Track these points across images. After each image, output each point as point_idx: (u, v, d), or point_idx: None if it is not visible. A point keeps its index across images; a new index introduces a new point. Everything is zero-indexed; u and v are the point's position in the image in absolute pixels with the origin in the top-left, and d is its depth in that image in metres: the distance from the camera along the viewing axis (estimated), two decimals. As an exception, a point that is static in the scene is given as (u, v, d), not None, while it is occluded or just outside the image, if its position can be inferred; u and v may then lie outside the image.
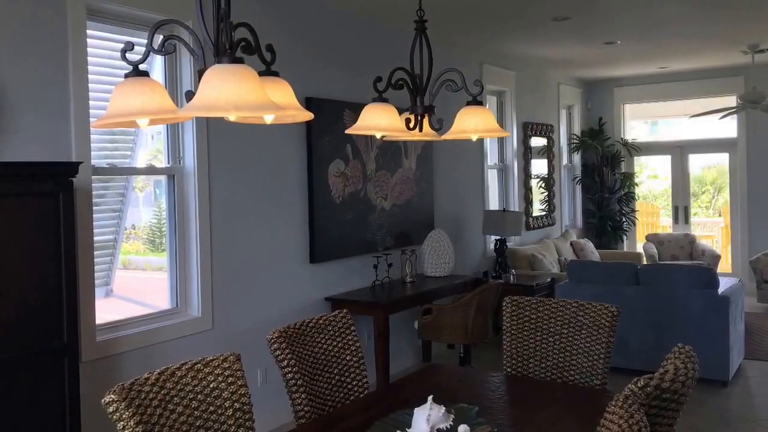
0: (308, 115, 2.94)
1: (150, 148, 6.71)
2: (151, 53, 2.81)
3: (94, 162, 5.73)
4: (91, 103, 5.60)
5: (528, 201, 12.73)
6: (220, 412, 3.72)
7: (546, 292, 10.15)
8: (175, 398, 3.56)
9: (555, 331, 5.09)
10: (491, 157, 11.92)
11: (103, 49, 5.95)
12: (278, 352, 4.22)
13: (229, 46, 2.71)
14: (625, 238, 14.97)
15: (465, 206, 10.87)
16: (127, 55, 2.79)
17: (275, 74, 3.00)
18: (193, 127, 6.47)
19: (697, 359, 3.36)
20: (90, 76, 5.63)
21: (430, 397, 3.57)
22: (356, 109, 7.88)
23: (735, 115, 13.08)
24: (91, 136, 5.63)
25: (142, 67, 2.81)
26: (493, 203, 11.94)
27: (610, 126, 15.20)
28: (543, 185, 13.39)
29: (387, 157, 8.96)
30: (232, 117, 2.76)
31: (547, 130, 13.42)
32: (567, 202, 14.68)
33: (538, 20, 9.22)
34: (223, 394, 3.74)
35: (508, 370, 5.13)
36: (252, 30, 2.85)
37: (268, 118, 2.85)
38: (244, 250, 7.01)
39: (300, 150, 7.69)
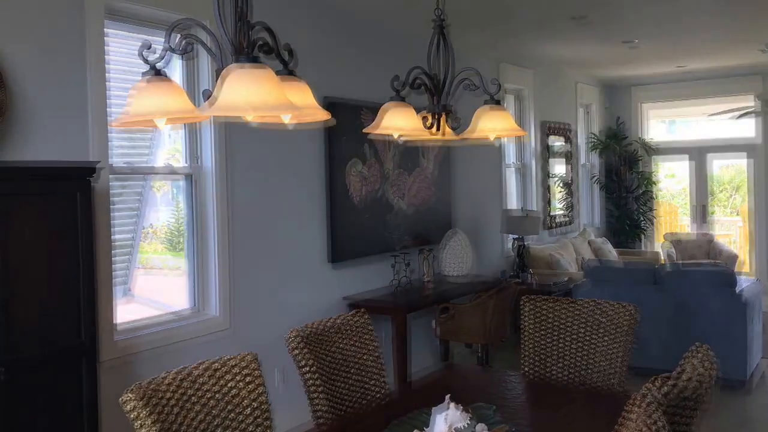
0: (326, 115, 2.93)
1: (168, 148, 6.72)
2: (168, 53, 2.81)
3: (112, 162, 5.74)
4: (109, 102, 5.61)
5: (546, 200, 12.70)
6: (237, 411, 3.72)
7: (564, 292, 10.11)
8: (193, 398, 3.57)
9: (573, 330, 5.07)
10: (510, 157, 11.91)
11: (121, 48, 5.96)
12: (296, 352, 4.22)
13: (247, 45, 2.71)
14: (643, 237, 14.91)
15: (483, 206, 10.85)
16: (145, 54, 2.79)
17: (293, 74, 2.99)
18: (212, 127, 6.47)
19: (716, 358, 3.34)
20: (108, 76, 5.64)
21: (447, 397, 3.56)
22: (374, 109, 7.88)
23: (754, 117, 13.03)
24: (110, 135, 5.64)
25: (160, 66, 2.81)
26: (512, 203, 11.92)
27: (628, 125, 15.14)
28: (561, 185, 13.35)
29: (405, 157, 8.95)
30: (249, 117, 2.75)
31: (565, 130, 13.39)
32: (585, 202, 14.63)
33: (557, 19, 9.19)
34: (241, 394, 3.75)
35: (526, 370, 5.12)
36: (270, 30, 2.84)
37: (286, 119, 2.85)
38: (262, 250, 7.02)
39: (318, 150, 7.69)
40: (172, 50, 2.81)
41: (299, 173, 7.45)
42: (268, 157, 7.07)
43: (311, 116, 3.01)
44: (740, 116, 11.92)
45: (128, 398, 3.21)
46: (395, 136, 4.31)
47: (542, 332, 5.14)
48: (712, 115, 12.52)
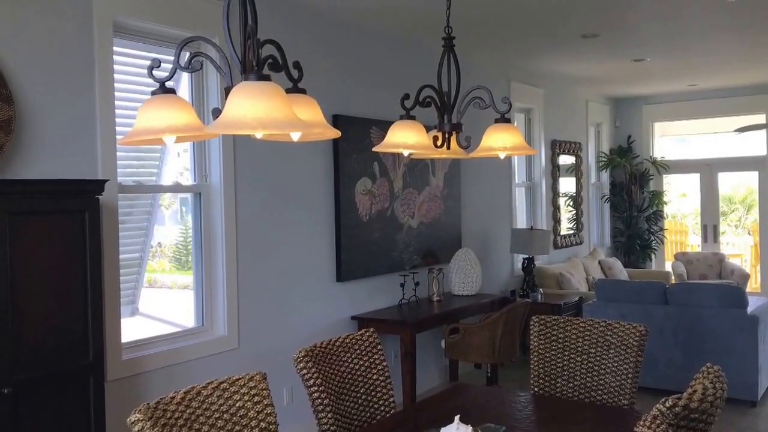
0: (335, 133, 2.92)
1: (176, 166, 6.71)
2: (177, 70, 2.80)
3: (120, 179, 5.73)
4: (117, 120, 5.60)
5: (556, 219, 12.67)
6: (246, 431, 3.69)
7: (574, 312, 10.09)
8: (201, 417, 3.54)
9: (583, 350, 5.05)
10: (519, 175, 11.88)
11: (129, 66, 5.96)
12: (304, 371, 4.20)
13: (256, 63, 2.70)
14: (653, 256, 14.85)
15: (492, 224, 10.83)
16: (154, 72, 2.78)
17: (302, 91, 2.98)
18: (220, 144, 6.46)
19: (726, 379, 3.32)
20: (116, 93, 5.64)
21: (456, 417, 3.54)
22: (383, 126, 7.89)
23: (765, 133, 13.00)
24: (118, 153, 5.63)
25: (168, 84, 2.80)
26: (521, 221, 11.90)
27: (638, 143, 15.11)
28: (571, 203, 13.32)
29: (414, 174, 8.93)
30: (259, 135, 2.74)
31: (575, 148, 13.36)
32: (595, 221, 14.60)
33: (568, 37, 9.19)
34: (249, 413, 3.72)
35: (536, 389, 5.09)
36: (279, 47, 2.83)
37: (295, 136, 2.83)
38: (270, 268, 7.00)
39: (327, 168, 7.68)
40: (181, 68, 2.80)
41: (307, 191, 7.43)
42: (276, 175, 7.06)
43: (320, 135, 3.00)
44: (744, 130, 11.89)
45: (136, 419, 3.18)
46: (405, 153, 4.30)
47: (552, 352, 5.12)
48: (737, 130, 12.47)
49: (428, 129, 4.31)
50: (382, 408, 4.65)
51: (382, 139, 4.26)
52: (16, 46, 4.97)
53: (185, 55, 2.81)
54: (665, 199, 15.08)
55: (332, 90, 7.73)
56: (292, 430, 6.70)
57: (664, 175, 15.04)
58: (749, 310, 8.26)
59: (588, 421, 4.41)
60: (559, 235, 12.74)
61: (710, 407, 3.06)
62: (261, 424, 3.74)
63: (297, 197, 7.30)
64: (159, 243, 6.80)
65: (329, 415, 4.19)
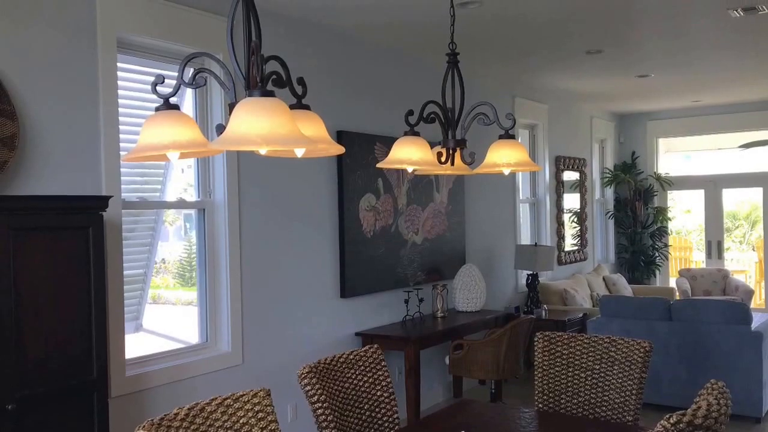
0: (339, 149, 2.92)
1: (180, 182, 6.71)
2: (181, 86, 2.80)
3: (124, 196, 5.73)
4: (121, 136, 5.60)
5: (560, 236, 12.66)
6: (249, 448, 3.68)
7: (578, 328, 10.08)
8: (204, 434, 3.53)
9: (587, 366, 5.04)
10: (523, 191, 11.87)
11: (133, 81, 5.97)
12: (308, 387, 4.19)
13: (260, 79, 2.70)
14: (657, 273, 14.83)
15: (497, 241, 10.83)
16: (158, 88, 2.78)
17: (306, 107, 2.98)
18: (224, 160, 6.46)
19: (730, 395, 3.31)
20: (120, 109, 5.64)
21: (462, 435, 3.52)
22: (388, 142, 7.90)
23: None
24: (122, 169, 5.63)
25: (172, 100, 2.80)
26: (525, 238, 11.89)
27: (642, 160, 15.11)
28: (575, 220, 13.31)
29: (418, 191, 8.93)
30: (263, 151, 2.74)
31: (579, 164, 13.36)
32: (599, 237, 14.59)
33: (572, 53, 9.20)
34: (253, 430, 3.71)
35: (540, 405, 5.09)
36: (283, 63, 2.84)
37: (299, 152, 2.83)
38: (274, 284, 6.99)
39: (331, 184, 7.68)
40: (185, 84, 2.80)
41: (311, 207, 7.43)
42: (280, 191, 7.05)
43: (324, 151, 3.00)
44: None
45: (139, 435, 3.18)
46: (409, 170, 4.30)
47: (556, 368, 5.11)
48: (742, 146, 12.46)
49: (432, 145, 4.31)
50: (386, 424, 4.64)
51: (386, 155, 4.26)
52: (20, 62, 4.97)
53: (189, 71, 2.81)
54: (669, 215, 15.07)
55: (336, 106, 7.74)
56: (295, 446, 6.69)
57: (668, 191, 15.03)
58: (753, 326, 8.25)
59: (593, 437, 4.40)
60: (563, 251, 12.73)
61: (714, 423, 3.05)
62: (265, 440, 3.73)
63: (301, 213, 7.30)
64: (163, 259, 6.79)
65: (333, 431, 4.19)
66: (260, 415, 3.75)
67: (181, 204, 6.61)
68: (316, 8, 6.91)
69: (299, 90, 2.94)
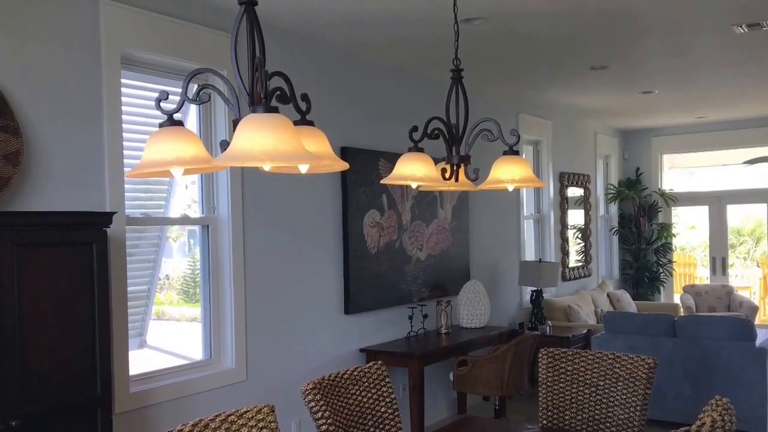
0: (344, 165, 2.92)
1: (184, 198, 6.71)
2: (185, 102, 2.80)
3: (128, 212, 5.73)
4: (125, 152, 5.60)
5: (564, 252, 12.65)
6: (252, 465, 3.67)
7: (582, 344, 10.06)
8: (208, 451, 3.52)
9: (591, 383, 5.04)
10: (527, 208, 11.87)
11: (137, 98, 5.97)
12: (312, 404, 4.19)
13: (264, 95, 2.70)
14: (662, 289, 14.80)
15: (501, 257, 10.82)
16: (162, 104, 2.78)
17: (310, 123, 2.98)
18: (228, 176, 6.46)
19: (735, 411, 3.31)
20: (124, 125, 5.64)
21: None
22: (392, 158, 7.90)
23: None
24: (126, 185, 5.63)
25: (176, 116, 2.80)
26: (529, 254, 11.88)
27: (647, 176, 15.10)
28: (579, 236, 13.30)
29: (422, 207, 8.93)
30: (267, 167, 2.74)
31: (583, 180, 13.36)
32: (603, 253, 14.57)
33: (576, 69, 9.21)
34: (256, 447, 3.70)
35: (544, 422, 5.08)
36: (287, 79, 2.84)
37: (303, 168, 2.83)
38: (278, 300, 6.98)
39: (335, 200, 7.68)
40: (189, 100, 2.80)
41: (315, 223, 7.43)
42: (284, 207, 7.05)
43: (328, 167, 3.00)
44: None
45: (141, 451, 3.17)
46: (413, 186, 4.30)
47: (560, 384, 5.10)
48: (748, 161, 12.47)
49: (436, 161, 4.31)
50: (390, 441, 4.63)
51: (391, 171, 4.26)
52: (24, 79, 4.98)
53: (193, 88, 2.81)
54: (674, 231, 15.06)
55: (340, 122, 7.74)
56: (299, 463, 6.68)
57: (672, 208, 15.02)
58: (758, 342, 8.23)
59: (597, 454, 4.39)
60: (567, 267, 12.71)
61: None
62: (268, 457, 3.72)
63: (305, 229, 7.30)
64: (167, 275, 6.79)
65: (337, 449, 4.18)
66: (264, 431, 3.74)
67: (185, 220, 6.61)
68: (321, 25, 6.92)
69: (303, 106, 2.94)
